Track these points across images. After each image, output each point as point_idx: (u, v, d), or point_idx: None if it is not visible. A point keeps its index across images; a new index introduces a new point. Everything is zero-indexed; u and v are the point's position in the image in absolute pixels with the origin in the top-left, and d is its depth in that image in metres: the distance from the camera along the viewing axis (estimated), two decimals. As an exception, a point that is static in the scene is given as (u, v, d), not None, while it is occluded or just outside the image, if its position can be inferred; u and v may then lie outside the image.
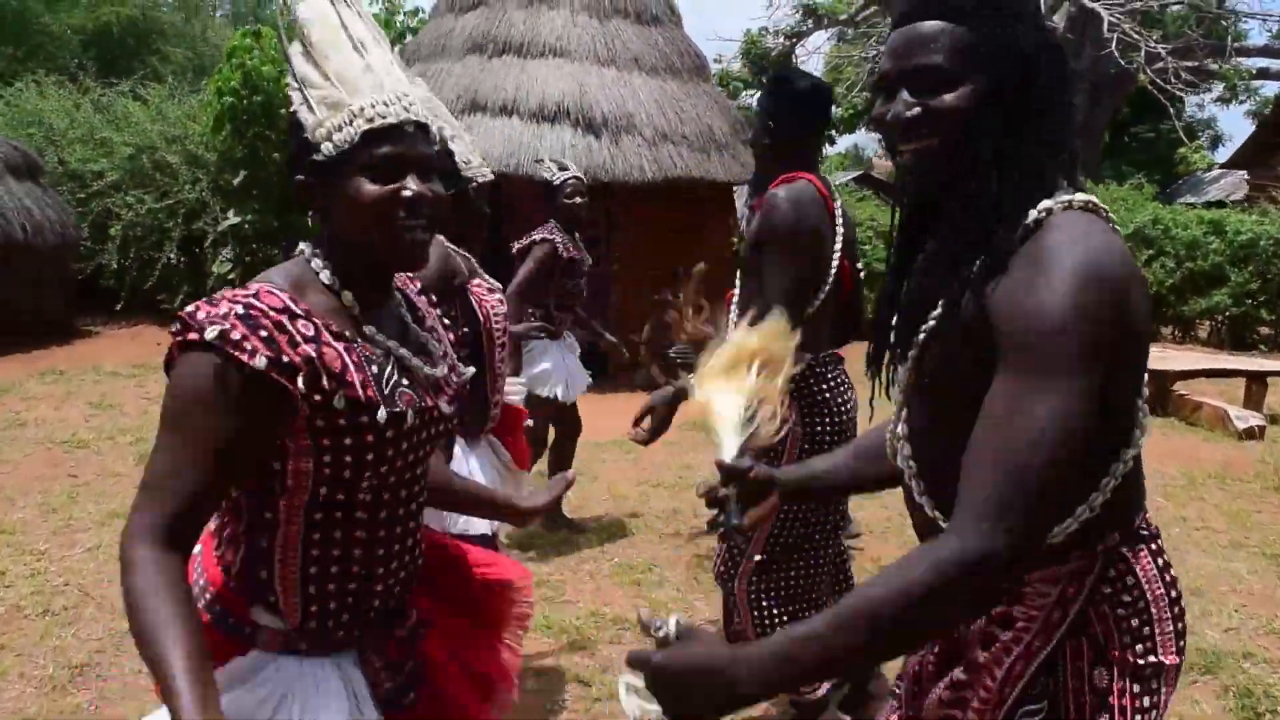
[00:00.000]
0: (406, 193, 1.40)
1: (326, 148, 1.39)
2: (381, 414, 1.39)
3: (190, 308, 1.32)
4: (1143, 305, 1.27)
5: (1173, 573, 1.40)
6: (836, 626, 1.17)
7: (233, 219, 11.83)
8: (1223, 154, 25.32)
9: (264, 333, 1.31)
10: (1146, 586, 1.36)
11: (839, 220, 2.97)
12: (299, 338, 1.34)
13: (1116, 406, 1.28)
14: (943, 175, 1.36)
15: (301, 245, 1.49)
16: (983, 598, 1.24)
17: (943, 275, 1.35)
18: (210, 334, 1.28)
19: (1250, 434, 7.39)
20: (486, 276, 3.00)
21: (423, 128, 1.45)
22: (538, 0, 9.16)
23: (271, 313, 1.33)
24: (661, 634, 1.22)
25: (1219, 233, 11.39)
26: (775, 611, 2.90)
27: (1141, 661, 1.34)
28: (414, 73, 8.12)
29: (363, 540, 1.46)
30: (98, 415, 7.39)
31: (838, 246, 2.95)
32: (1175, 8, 19.14)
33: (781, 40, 20.78)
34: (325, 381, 1.34)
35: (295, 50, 1.45)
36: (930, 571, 1.14)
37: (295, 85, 1.44)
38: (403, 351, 1.48)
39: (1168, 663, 1.36)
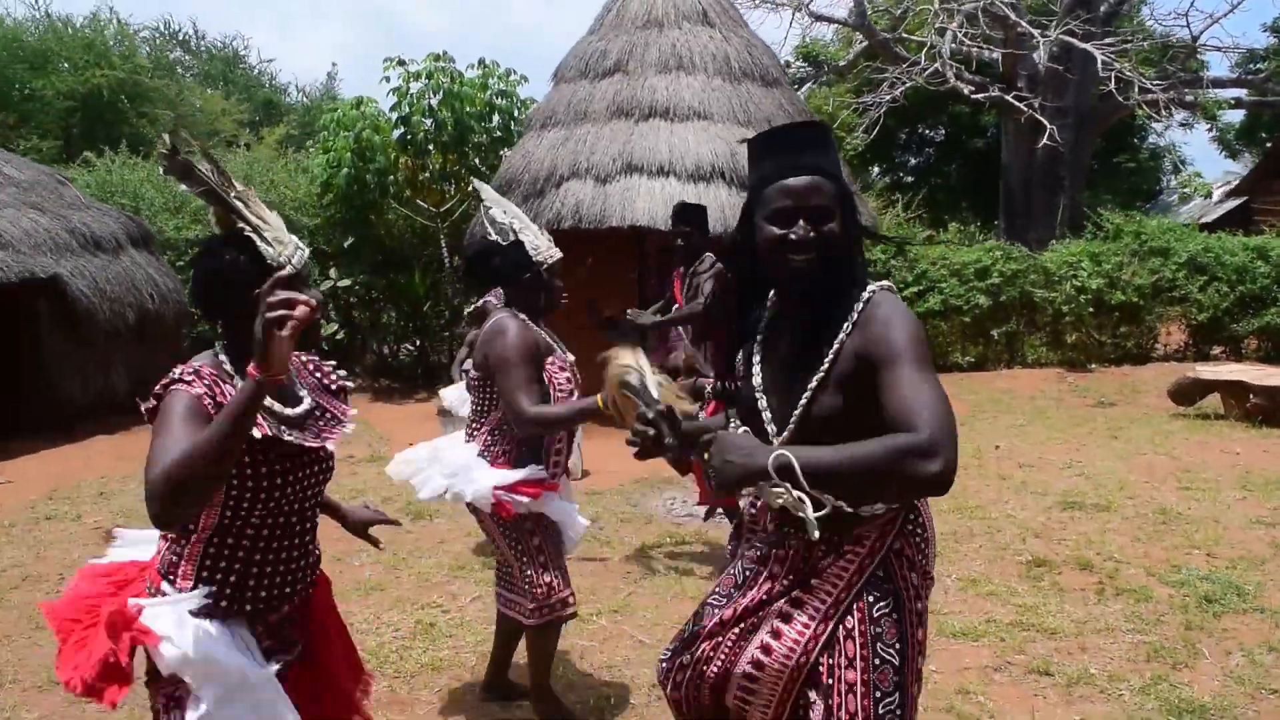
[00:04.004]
0: (317, 300, 2.06)
1: (290, 269, 2.08)
2: (281, 433, 2.06)
3: (166, 380, 1.99)
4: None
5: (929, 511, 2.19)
6: (838, 455, 1.78)
7: (342, 281, 12.13)
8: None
9: (205, 382, 2.00)
10: (926, 524, 2.15)
11: None
12: (225, 391, 2.02)
13: None
14: (823, 276, 2.04)
15: (216, 346, 2.14)
16: (920, 478, 1.77)
17: (813, 342, 2.03)
18: (174, 374, 1.99)
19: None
20: (562, 351, 3.59)
21: None
22: (675, 67, 9.76)
23: (208, 373, 2.03)
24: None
25: (1264, 257, 12.42)
26: None
27: (929, 568, 2.14)
28: (558, 136, 8.77)
29: (247, 542, 2.08)
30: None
31: None
32: (1146, 43, 20.52)
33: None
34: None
35: (241, 206, 2.10)
36: (908, 441, 1.76)
37: (251, 229, 2.09)
38: (285, 412, 2.12)
39: (933, 572, 2.18)
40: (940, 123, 26.98)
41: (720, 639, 2.21)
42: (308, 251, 2.16)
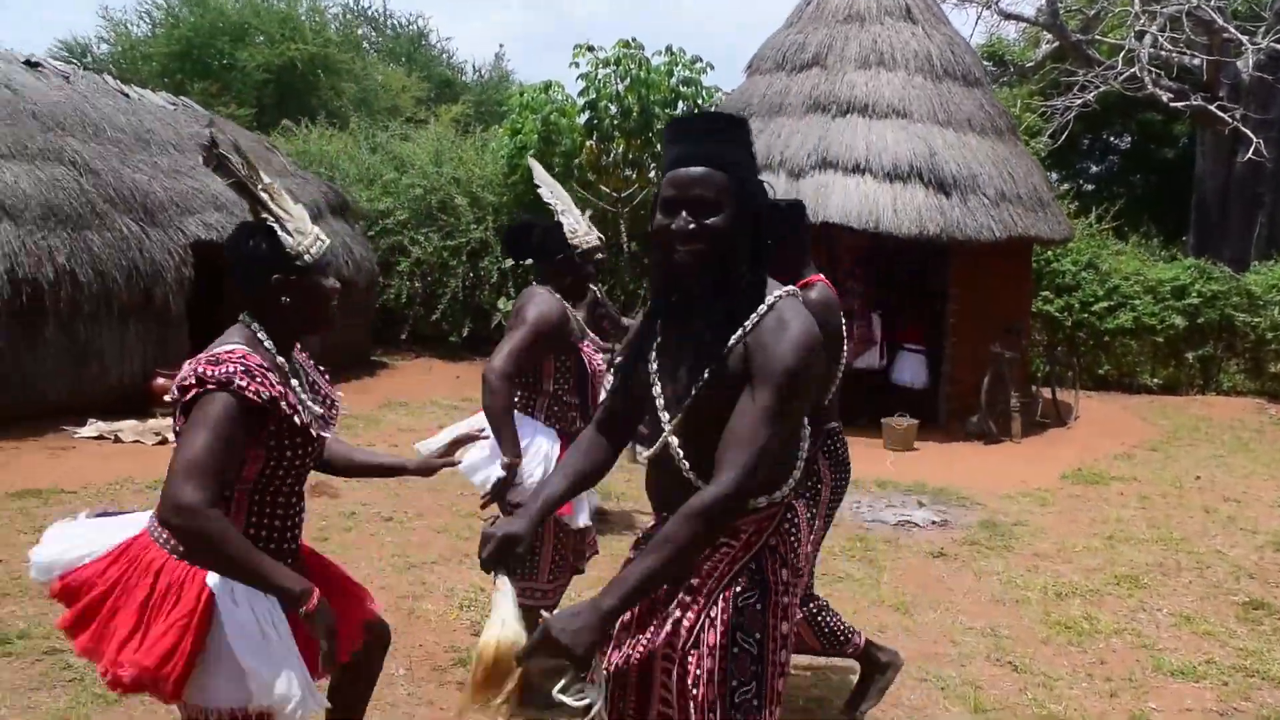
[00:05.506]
0: (336, 286, 2.36)
1: (307, 257, 2.26)
2: (313, 432, 2.30)
3: (200, 370, 2.09)
4: (823, 354, 2.05)
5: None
6: (657, 553, 1.90)
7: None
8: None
9: (259, 380, 2.13)
10: (801, 523, 2.16)
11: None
12: (273, 383, 2.16)
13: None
14: (707, 271, 2.02)
15: (242, 316, 2.28)
16: (727, 519, 1.96)
17: (708, 344, 2.00)
18: (232, 386, 2.07)
19: None
20: (594, 336, 3.62)
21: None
22: (875, 62, 9.59)
23: (258, 369, 2.15)
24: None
25: None
26: None
27: (800, 566, 2.16)
28: (754, 128, 8.51)
29: (281, 505, 2.33)
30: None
31: (845, 337, 3.46)
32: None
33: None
34: (285, 411, 2.18)
35: (267, 198, 2.25)
36: (708, 505, 1.88)
37: (274, 219, 2.24)
38: (305, 398, 2.31)
39: (803, 569, 2.19)
40: (1128, 130, 25.69)
41: (621, 648, 2.24)
42: (327, 243, 2.34)
